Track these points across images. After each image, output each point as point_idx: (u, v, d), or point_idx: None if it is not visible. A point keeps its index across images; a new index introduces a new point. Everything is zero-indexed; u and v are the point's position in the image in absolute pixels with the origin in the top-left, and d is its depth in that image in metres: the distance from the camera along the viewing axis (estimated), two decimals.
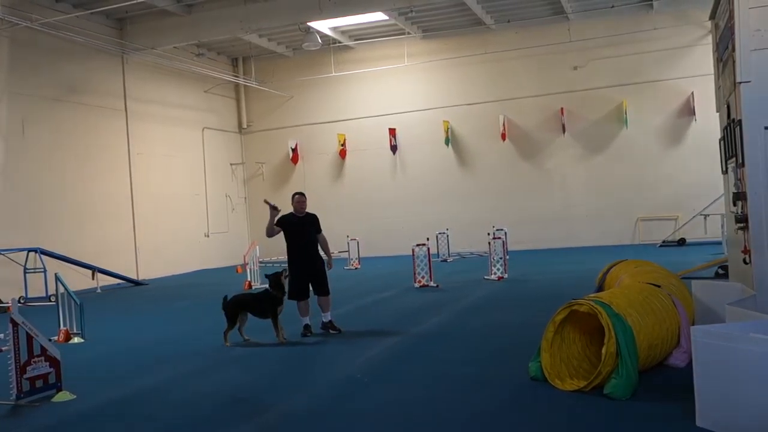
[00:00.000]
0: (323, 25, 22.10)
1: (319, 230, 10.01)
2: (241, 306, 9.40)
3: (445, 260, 20.94)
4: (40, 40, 17.80)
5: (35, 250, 16.24)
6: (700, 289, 7.76)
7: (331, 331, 9.72)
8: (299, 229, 9.79)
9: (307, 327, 9.71)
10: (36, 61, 18.23)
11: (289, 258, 9.85)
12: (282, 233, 9.82)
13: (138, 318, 13.03)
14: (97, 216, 19.78)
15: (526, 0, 21.59)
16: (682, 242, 21.19)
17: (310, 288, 9.84)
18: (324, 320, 9.85)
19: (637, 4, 22.07)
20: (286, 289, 9.40)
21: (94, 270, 17.74)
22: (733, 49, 7.84)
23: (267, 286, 9.56)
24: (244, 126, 27.05)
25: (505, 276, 15.38)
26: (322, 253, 10.00)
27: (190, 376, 7.70)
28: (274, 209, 9.77)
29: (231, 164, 26.42)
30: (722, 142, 9.88)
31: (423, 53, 24.51)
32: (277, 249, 22.57)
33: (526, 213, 23.35)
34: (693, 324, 6.86)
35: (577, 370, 6.40)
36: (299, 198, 9.97)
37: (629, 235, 22.88)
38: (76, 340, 10.28)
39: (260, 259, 17.88)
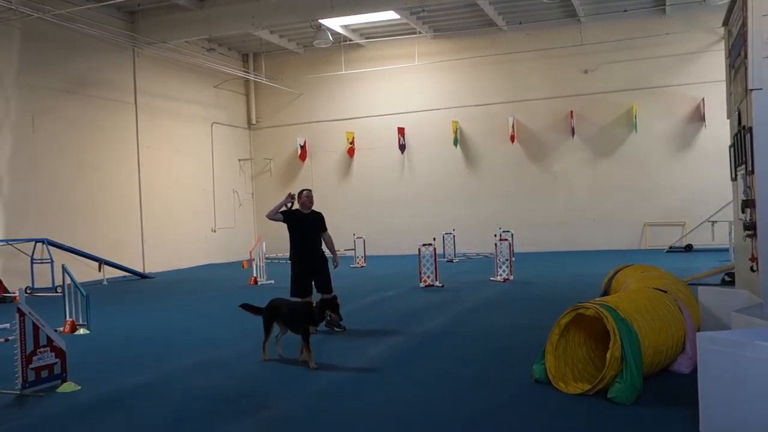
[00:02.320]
0: (334, 23, 22.12)
1: (324, 228, 9.94)
2: (274, 313, 8.14)
3: (451, 261, 20.93)
4: (52, 31, 17.86)
5: (43, 241, 16.32)
6: (706, 296, 7.74)
7: (335, 329, 9.67)
8: (304, 225, 9.74)
9: None
10: (47, 52, 18.30)
11: (292, 255, 9.82)
12: (281, 223, 9.80)
13: (143, 311, 13.07)
14: (104, 208, 19.86)
15: (539, 2, 21.54)
16: (689, 248, 21.12)
17: (313, 286, 9.82)
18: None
19: (649, 8, 22.02)
20: (325, 318, 8.11)
21: (101, 262, 17.81)
22: (746, 56, 7.81)
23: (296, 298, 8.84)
24: (253, 122, 27.10)
25: (511, 278, 15.36)
26: (326, 251, 9.97)
27: (194, 370, 7.72)
28: (290, 198, 9.80)
29: (239, 160, 26.48)
30: (732, 149, 9.85)
31: (433, 53, 24.50)
32: (284, 246, 22.67)
33: (533, 215, 23.33)
34: (699, 330, 6.84)
35: (581, 373, 6.39)
36: (307, 194, 9.89)
37: (636, 240, 22.83)
38: (81, 331, 10.33)
39: (266, 255, 17.90)
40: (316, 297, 9.77)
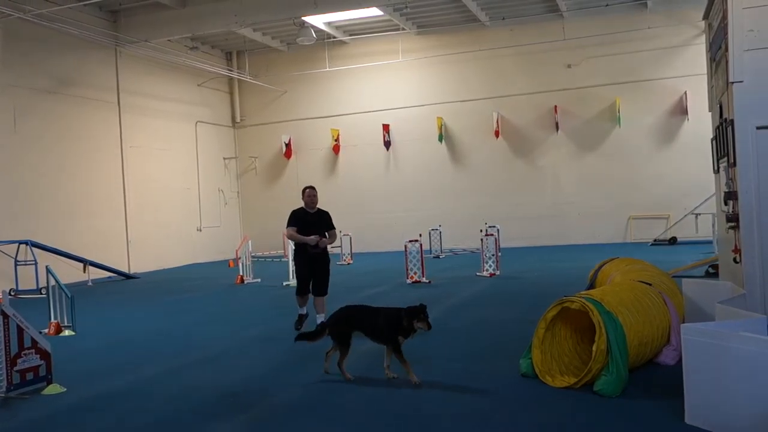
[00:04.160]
0: (318, 20, 22.06)
1: (332, 227, 9.57)
2: (350, 323, 6.93)
3: (438, 256, 20.96)
4: (33, 31, 17.69)
5: (26, 242, 16.17)
6: (690, 288, 7.79)
7: None
8: (310, 225, 9.35)
9: (301, 318, 9.55)
10: (29, 52, 18.13)
11: (296, 254, 9.58)
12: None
13: (129, 311, 12.99)
14: (88, 209, 19.71)
15: None
16: (673, 241, 21.28)
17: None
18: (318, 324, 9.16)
19: (631, 3, 22.11)
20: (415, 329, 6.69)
21: (86, 263, 17.68)
22: (726, 49, 7.87)
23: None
24: (238, 120, 26.99)
25: (497, 273, 15.41)
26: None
27: (182, 370, 7.70)
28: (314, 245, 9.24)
29: (224, 158, 26.37)
30: (714, 142, 9.93)
31: (417, 49, 24.51)
32: (271, 243, 22.62)
33: (519, 210, 23.40)
34: (683, 322, 6.90)
35: (568, 367, 6.43)
36: (310, 192, 9.49)
37: (621, 233, 22.96)
38: (66, 332, 10.24)
39: (252, 254, 17.85)
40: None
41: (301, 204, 9.57)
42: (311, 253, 9.32)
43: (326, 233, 9.46)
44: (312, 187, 9.59)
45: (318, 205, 9.57)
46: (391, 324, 6.66)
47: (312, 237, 9.21)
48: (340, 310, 7.10)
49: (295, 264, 9.60)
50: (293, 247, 9.69)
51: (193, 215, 24.34)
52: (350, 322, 6.90)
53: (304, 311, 9.59)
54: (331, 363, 6.98)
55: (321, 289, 9.52)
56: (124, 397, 6.66)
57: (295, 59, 25.72)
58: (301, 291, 9.55)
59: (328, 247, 9.61)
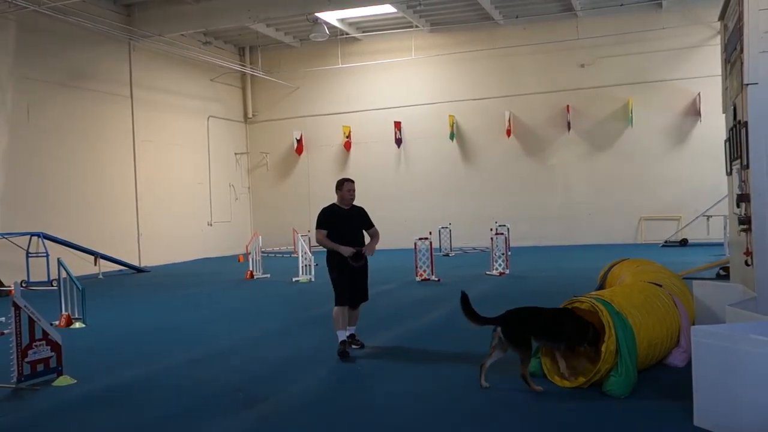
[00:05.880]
0: (331, 16, 22.08)
1: (371, 225, 8.41)
2: (529, 326, 6.32)
3: (447, 255, 20.96)
4: (48, 24, 17.79)
5: (38, 235, 16.26)
6: (701, 290, 7.76)
7: (353, 346, 8.17)
8: (345, 224, 8.12)
9: (344, 343, 7.93)
10: (43, 45, 18.23)
11: (329, 258, 8.18)
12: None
13: (139, 305, 13.06)
14: (100, 202, 19.82)
15: None
16: (684, 243, 21.17)
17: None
18: (347, 334, 8.17)
19: (646, 2, 21.99)
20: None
21: (97, 256, 17.78)
22: (742, 51, 7.81)
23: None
24: (250, 115, 27.04)
25: (507, 272, 15.39)
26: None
27: (191, 364, 7.73)
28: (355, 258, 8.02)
29: (235, 153, 26.43)
30: (728, 144, 9.86)
31: (430, 47, 24.47)
32: (281, 239, 22.64)
33: (529, 209, 23.34)
34: (693, 324, 6.87)
35: (576, 367, 6.41)
36: (350, 186, 8.16)
37: (631, 234, 22.87)
38: (77, 325, 10.32)
39: (262, 250, 17.90)
40: None
41: (319, 199, 8.62)
42: (352, 266, 8.00)
43: (367, 233, 8.39)
44: (351, 180, 8.24)
45: (323, 202, 8.52)
46: (580, 328, 6.22)
47: (348, 248, 7.90)
48: (512, 312, 6.43)
49: (332, 271, 8.13)
50: (327, 254, 8.23)
51: (203, 210, 24.43)
52: (529, 324, 6.30)
53: (345, 335, 8.03)
54: (486, 373, 6.38)
55: (363, 295, 8.25)
56: (133, 390, 6.70)
57: (308, 55, 25.74)
58: (344, 300, 8.06)
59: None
